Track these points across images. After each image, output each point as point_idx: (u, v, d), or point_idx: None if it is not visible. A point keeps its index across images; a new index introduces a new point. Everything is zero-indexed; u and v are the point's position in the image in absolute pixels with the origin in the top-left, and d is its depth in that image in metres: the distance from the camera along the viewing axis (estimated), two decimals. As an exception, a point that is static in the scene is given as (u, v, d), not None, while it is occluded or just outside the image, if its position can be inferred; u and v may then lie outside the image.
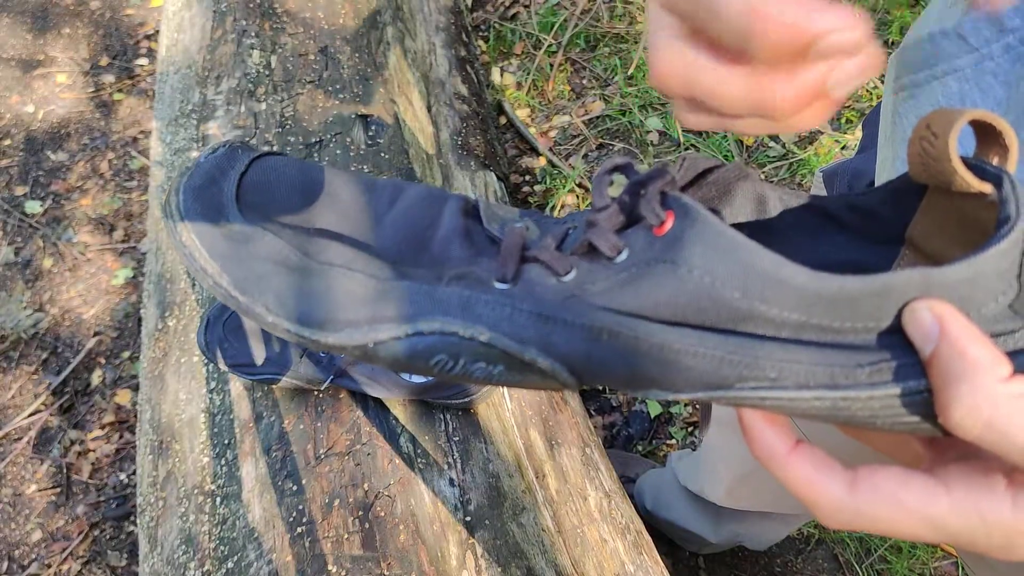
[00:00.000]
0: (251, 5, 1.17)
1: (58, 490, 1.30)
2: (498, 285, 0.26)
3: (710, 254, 0.22)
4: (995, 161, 0.23)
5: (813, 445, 0.25)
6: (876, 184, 0.47)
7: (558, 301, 0.25)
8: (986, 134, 0.23)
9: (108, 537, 1.26)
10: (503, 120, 1.70)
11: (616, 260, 0.25)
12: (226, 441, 0.77)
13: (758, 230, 0.28)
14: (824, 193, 0.61)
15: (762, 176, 1.54)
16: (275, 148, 1.00)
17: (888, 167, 0.44)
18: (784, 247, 0.28)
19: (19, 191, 1.65)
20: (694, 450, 1.03)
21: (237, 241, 0.28)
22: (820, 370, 0.22)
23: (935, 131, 0.22)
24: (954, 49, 0.38)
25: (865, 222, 0.27)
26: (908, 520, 0.23)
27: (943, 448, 0.25)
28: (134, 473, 1.30)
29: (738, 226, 0.28)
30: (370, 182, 0.31)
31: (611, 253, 0.25)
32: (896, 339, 0.22)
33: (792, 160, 1.54)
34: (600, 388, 1.35)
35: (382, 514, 0.68)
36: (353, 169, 0.98)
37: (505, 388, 0.80)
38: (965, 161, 0.22)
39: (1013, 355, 0.22)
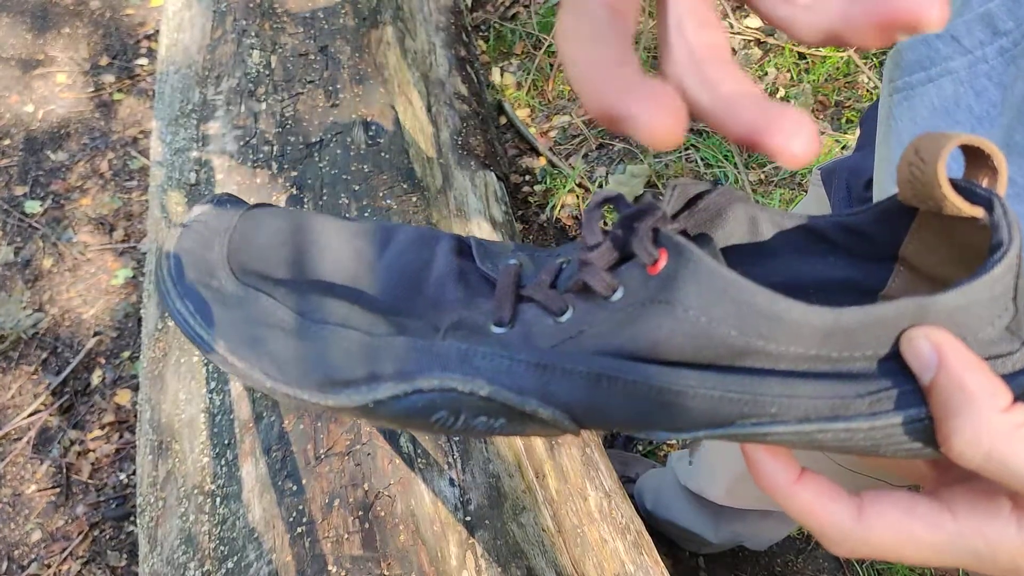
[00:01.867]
0: (251, 5, 1.17)
1: (58, 490, 1.30)
2: (495, 329, 0.26)
3: (705, 293, 0.22)
4: (985, 183, 0.23)
5: (818, 474, 0.25)
6: (874, 182, 0.47)
7: (556, 346, 0.25)
8: (975, 156, 0.23)
9: (108, 537, 1.26)
10: (503, 120, 1.70)
11: (611, 299, 0.24)
12: (226, 441, 0.77)
13: (752, 252, 0.28)
14: (822, 190, 0.61)
15: (761, 178, 1.54)
16: (275, 148, 1.00)
17: (884, 166, 0.44)
18: (778, 268, 0.27)
19: (19, 191, 1.65)
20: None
21: (231, 305, 0.27)
22: (820, 403, 0.22)
23: (923, 157, 0.22)
24: (948, 51, 0.38)
25: (858, 242, 0.27)
26: (914, 547, 0.23)
27: (949, 467, 0.25)
28: (134, 473, 1.30)
29: (732, 249, 0.28)
30: (359, 227, 0.31)
31: (606, 292, 0.24)
32: (895, 366, 0.22)
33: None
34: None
35: (382, 514, 0.68)
36: (346, 177, 0.98)
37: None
38: (955, 184, 0.22)
39: (1012, 376, 0.22)
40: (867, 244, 0.27)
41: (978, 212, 0.22)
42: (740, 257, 0.28)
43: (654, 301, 0.23)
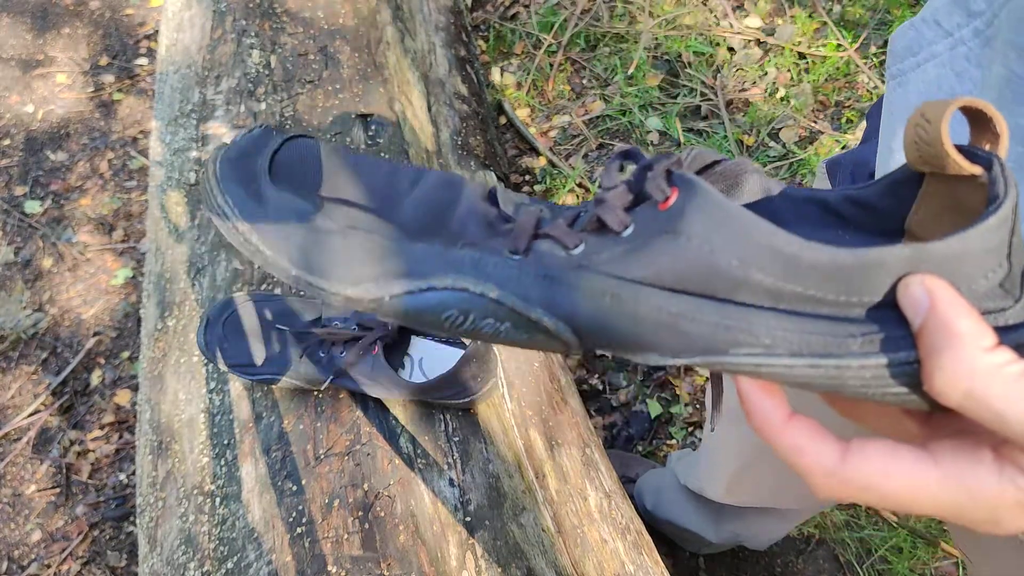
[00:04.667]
0: (251, 5, 1.17)
1: (58, 490, 1.30)
2: (511, 257, 0.28)
3: (709, 224, 0.24)
4: (987, 147, 0.24)
5: (807, 416, 0.25)
6: (876, 173, 0.47)
7: (566, 268, 0.27)
8: (978, 122, 0.24)
9: (108, 537, 1.26)
10: (503, 120, 1.70)
11: (623, 234, 0.26)
12: (226, 441, 0.77)
13: None
14: (827, 184, 0.61)
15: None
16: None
17: (884, 155, 0.44)
18: None
19: (19, 191, 1.65)
20: (694, 449, 1.03)
21: (267, 204, 0.30)
22: (814, 339, 0.23)
23: (928, 117, 0.23)
24: (932, 35, 0.39)
25: (866, 215, 0.27)
26: (896, 490, 0.23)
27: (936, 426, 0.26)
28: (134, 473, 1.29)
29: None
30: (394, 166, 0.33)
31: (618, 228, 0.26)
32: (888, 312, 0.23)
33: (792, 160, 1.54)
34: (601, 389, 1.35)
35: (382, 514, 0.68)
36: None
37: (505, 388, 0.80)
38: (957, 147, 0.23)
39: (1004, 332, 0.22)
40: (875, 217, 0.27)
41: (977, 170, 0.23)
42: None
43: (662, 232, 0.25)
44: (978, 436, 0.23)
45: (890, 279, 0.22)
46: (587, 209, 0.29)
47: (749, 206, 0.29)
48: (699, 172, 0.28)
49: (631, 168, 0.28)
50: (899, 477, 0.23)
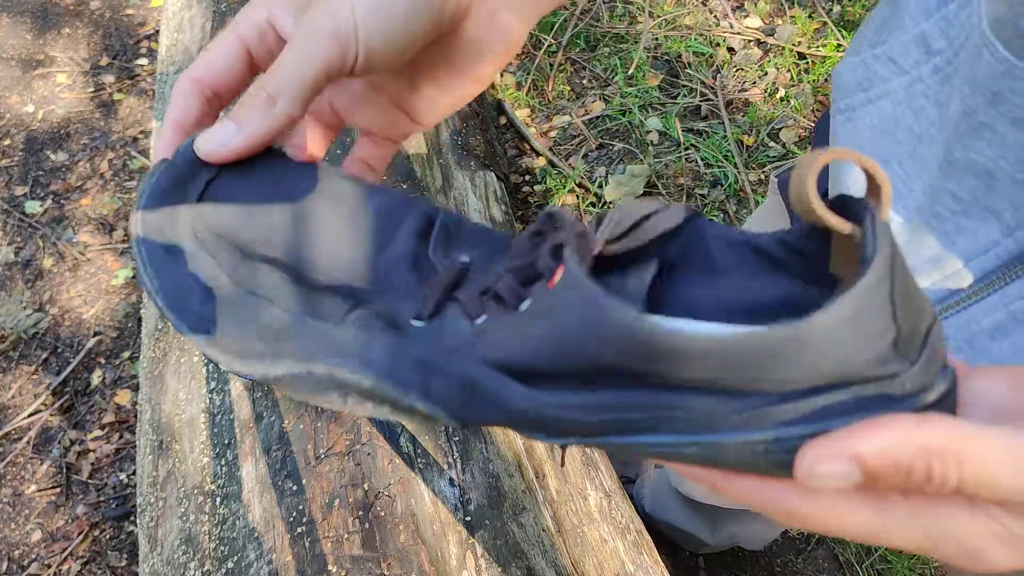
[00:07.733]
0: (251, 5, 1.17)
1: (58, 490, 1.30)
2: (414, 323, 0.27)
3: (573, 307, 0.23)
4: (873, 202, 0.22)
5: None
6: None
7: (456, 347, 0.26)
8: (868, 174, 0.23)
9: (108, 537, 1.26)
10: (503, 120, 1.70)
11: (520, 309, 0.25)
12: (226, 441, 0.77)
13: (705, 271, 0.28)
14: (779, 198, 0.61)
15: (760, 178, 1.54)
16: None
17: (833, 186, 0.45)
18: (733, 287, 0.28)
19: (19, 191, 1.65)
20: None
21: (177, 258, 0.29)
22: (694, 416, 0.23)
23: (800, 172, 0.22)
24: (886, 72, 0.38)
25: (798, 260, 0.26)
26: (863, 524, 0.22)
27: None
28: (134, 473, 1.30)
29: (686, 268, 0.28)
30: (337, 192, 0.31)
31: (513, 302, 0.26)
32: (765, 387, 0.22)
33: (792, 160, 1.54)
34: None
35: (382, 514, 0.68)
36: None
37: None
38: (833, 200, 0.22)
39: (903, 400, 0.21)
40: (806, 262, 0.26)
41: (846, 227, 0.21)
42: (694, 276, 0.28)
43: (541, 313, 0.24)
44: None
45: (773, 360, 0.21)
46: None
47: (687, 256, 0.28)
48: (629, 230, 0.27)
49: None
50: (865, 511, 0.22)
